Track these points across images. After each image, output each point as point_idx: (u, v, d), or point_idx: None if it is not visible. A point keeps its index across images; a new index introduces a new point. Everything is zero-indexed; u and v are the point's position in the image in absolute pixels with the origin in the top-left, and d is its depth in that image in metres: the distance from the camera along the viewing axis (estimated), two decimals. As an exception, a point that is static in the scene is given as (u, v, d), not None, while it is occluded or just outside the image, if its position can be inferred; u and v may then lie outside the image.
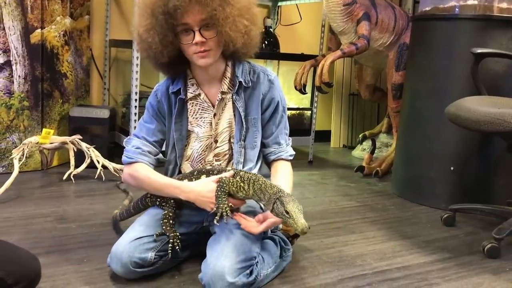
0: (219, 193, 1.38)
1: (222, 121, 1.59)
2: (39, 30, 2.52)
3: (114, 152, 2.92)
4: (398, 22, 3.01)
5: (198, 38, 1.41)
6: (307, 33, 3.76)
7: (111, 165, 2.49)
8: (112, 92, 3.19)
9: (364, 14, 2.85)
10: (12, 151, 2.27)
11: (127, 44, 2.77)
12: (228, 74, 1.56)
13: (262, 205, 1.43)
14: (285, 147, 1.63)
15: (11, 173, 2.20)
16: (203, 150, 1.60)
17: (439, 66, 2.41)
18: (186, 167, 1.63)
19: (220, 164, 1.60)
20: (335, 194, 2.59)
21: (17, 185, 2.29)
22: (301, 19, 3.65)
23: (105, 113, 2.78)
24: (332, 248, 1.83)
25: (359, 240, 1.94)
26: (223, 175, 1.43)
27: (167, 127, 1.61)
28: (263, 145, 1.62)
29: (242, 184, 1.41)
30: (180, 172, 1.64)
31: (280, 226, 1.64)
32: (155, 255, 1.46)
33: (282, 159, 1.61)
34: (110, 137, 2.85)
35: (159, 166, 1.62)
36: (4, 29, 2.40)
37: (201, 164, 1.62)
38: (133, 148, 1.55)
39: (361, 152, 3.59)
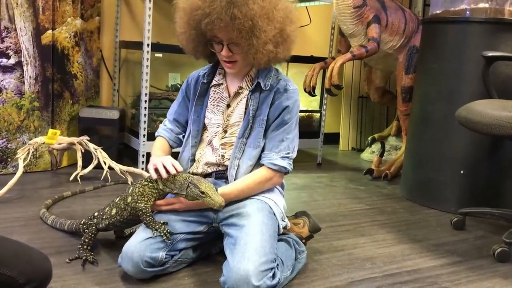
0: (147, 220, 1.47)
1: (235, 114, 1.62)
2: (50, 31, 2.53)
3: (123, 153, 2.94)
4: (408, 25, 3.00)
5: (225, 52, 1.51)
6: (316, 35, 3.75)
7: (117, 167, 2.49)
8: (121, 93, 3.21)
9: (374, 17, 2.84)
10: (17, 151, 2.28)
11: (137, 45, 2.78)
12: (252, 74, 1.61)
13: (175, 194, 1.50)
14: (274, 156, 1.56)
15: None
16: (212, 136, 1.65)
17: (450, 69, 2.40)
18: (207, 151, 1.65)
19: (226, 152, 1.62)
20: (344, 197, 2.58)
21: (27, 185, 2.30)
22: (310, 21, 3.65)
23: (114, 114, 2.79)
24: (341, 251, 1.82)
25: (369, 243, 1.93)
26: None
27: (189, 108, 1.69)
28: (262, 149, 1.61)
29: (150, 184, 1.50)
30: (193, 158, 1.68)
31: (289, 225, 1.64)
32: (166, 254, 1.46)
33: (264, 164, 1.57)
34: (119, 138, 2.86)
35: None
36: (15, 30, 2.42)
37: (210, 151, 1.64)
38: (161, 125, 1.77)
39: (370, 154, 3.58)
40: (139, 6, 3.09)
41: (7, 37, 2.40)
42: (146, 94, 2.67)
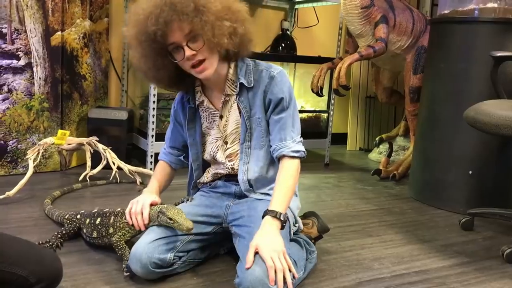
0: (120, 253, 1.54)
1: (230, 122, 1.60)
2: (59, 33, 2.56)
3: (131, 153, 2.95)
4: (416, 25, 2.99)
5: (188, 52, 1.41)
6: (324, 35, 3.75)
7: (126, 167, 2.51)
8: (130, 94, 3.22)
9: (382, 17, 2.84)
10: (27, 152, 2.30)
11: (145, 46, 2.79)
12: (231, 76, 1.55)
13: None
14: (289, 143, 1.52)
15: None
16: (214, 152, 1.63)
17: (458, 69, 2.39)
18: (212, 169, 1.69)
19: (234, 164, 1.61)
20: (351, 197, 2.58)
21: (37, 185, 2.32)
22: (318, 21, 3.65)
23: (123, 115, 2.80)
24: (349, 251, 1.82)
25: (377, 243, 1.93)
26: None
27: (184, 133, 1.68)
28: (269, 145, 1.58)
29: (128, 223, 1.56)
30: (202, 173, 1.72)
31: (302, 227, 1.64)
32: (174, 255, 1.47)
33: (285, 155, 1.52)
34: (128, 138, 2.88)
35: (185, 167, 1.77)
36: (25, 31, 2.44)
37: (217, 165, 1.65)
38: (162, 148, 1.80)
39: (377, 155, 3.57)
40: (147, 7, 3.11)
41: (17, 38, 2.42)
42: (154, 95, 2.68)
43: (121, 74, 3.17)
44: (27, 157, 2.27)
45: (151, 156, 2.74)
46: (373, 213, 2.33)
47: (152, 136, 2.72)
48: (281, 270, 1.30)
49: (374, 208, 2.42)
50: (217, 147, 1.63)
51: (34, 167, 2.24)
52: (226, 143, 1.62)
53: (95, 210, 1.72)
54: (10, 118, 2.46)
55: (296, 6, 3.60)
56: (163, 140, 2.76)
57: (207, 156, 1.66)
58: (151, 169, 2.68)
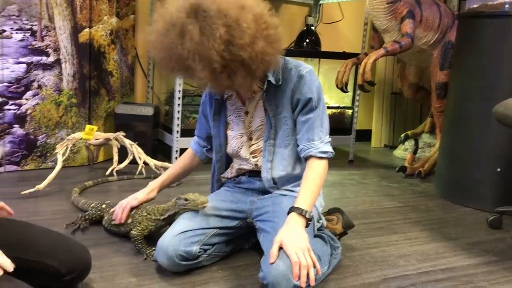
0: (138, 247, 1.62)
1: (256, 119, 1.60)
2: (87, 30, 2.60)
3: (157, 149, 2.99)
4: (443, 20, 2.95)
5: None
6: (349, 31, 3.73)
7: (152, 162, 2.54)
8: (155, 90, 3.26)
9: (408, 12, 2.80)
10: (56, 146, 2.35)
11: (171, 43, 2.82)
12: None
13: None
14: (317, 143, 1.52)
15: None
16: (239, 147, 1.64)
17: (487, 64, 2.35)
18: (236, 164, 1.70)
19: (258, 160, 1.61)
20: (376, 194, 2.56)
21: (65, 179, 2.37)
22: (343, 17, 3.63)
23: (149, 111, 2.84)
24: (374, 248, 1.81)
25: (402, 240, 1.92)
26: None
27: (210, 125, 1.69)
28: (297, 143, 1.57)
29: (149, 216, 1.64)
30: (226, 168, 1.73)
31: (325, 224, 1.64)
32: (199, 248, 1.49)
33: (312, 156, 1.52)
34: (153, 134, 2.92)
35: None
36: (54, 28, 2.49)
37: (241, 161, 1.65)
38: (195, 137, 1.81)
39: (403, 152, 3.53)
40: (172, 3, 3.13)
41: (47, 35, 2.47)
42: (179, 91, 2.71)
43: (146, 71, 3.21)
44: (56, 151, 2.32)
45: (176, 151, 2.77)
46: (398, 210, 2.31)
47: (177, 131, 2.75)
48: (306, 267, 1.30)
49: (399, 205, 2.40)
50: (241, 143, 1.63)
51: (62, 161, 2.29)
52: (250, 139, 1.62)
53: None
54: (40, 113, 2.52)
55: (321, 2, 3.58)
56: (188, 136, 2.83)
57: (229, 150, 1.66)
58: (176, 164, 2.71)
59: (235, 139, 1.64)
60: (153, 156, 2.66)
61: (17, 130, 2.46)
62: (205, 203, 1.54)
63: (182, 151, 2.79)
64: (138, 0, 3.09)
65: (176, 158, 2.76)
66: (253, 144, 1.62)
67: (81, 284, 1.37)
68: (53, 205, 2.05)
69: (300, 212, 1.42)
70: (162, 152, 3.01)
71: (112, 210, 1.78)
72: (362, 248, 1.80)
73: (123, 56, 2.93)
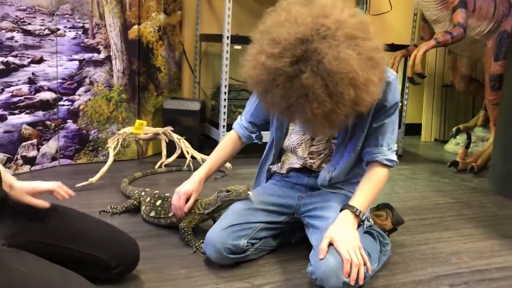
0: (187, 238, 1.64)
1: None
2: (136, 26, 2.66)
3: (204, 143, 3.02)
4: (498, 9, 2.82)
5: None
6: (397, 22, 3.63)
7: (199, 156, 2.57)
8: (202, 85, 3.30)
9: (461, 1, 2.70)
10: (108, 141, 2.42)
11: (217, 38, 2.84)
12: None
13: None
14: (385, 150, 1.49)
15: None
16: (298, 144, 1.60)
17: (547, 54, 2.23)
18: (289, 157, 1.65)
19: (314, 162, 1.58)
20: (427, 190, 2.49)
21: (115, 173, 2.43)
22: (391, 8, 3.54)
23: (196, 106, 2.88)
24: (425, 245, 1.76)
25: (454, 237, 1.86)
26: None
27: (271, 114, 1.63)
28: (362, 145, 1.53)
29: (192, 210, 1.66)
30: (278, 159, 1.69)
31: (371, 221, 1.61)
32: (247, 242, 1.50)
33: (377, 161, 1.49)
34: (200, 128, 2.95)
35: (254, 143, 1.78)
36: (105, 26, 2.56)
37: (295, 158, 1.62)
38: (238, 118, 1.76)
39: (454, 146, 3.41)
40: (219, -1, 3.16)
41: (98, 33, 2.55)
42: (225, 86, 2.72)
43: (193, 66, 3.25)
44: (107, 146, 2.39)
45: (223, 145, 2.78)
46: (450, 206, 2.23)
47: (224, 126, 2.77)
48: (357, 265, 1.28)
49: (451, 201, 2.32)
50: (301, 140, 1.59)
51: (113, 155, 2.36)
52: (313, 139, 1.58)
53: (156, 192, 1.86)
54: (92, 109, 2.60)
55: (368, -7, 3.50)
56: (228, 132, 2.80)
57: (286, 143, 1.62)
58: (222, 158, 2.73)
59: (296, 134, 1.60)
60: (200, 150, 2.69)
61: (70, 125, 2.55)
62: (247, 191, 1.56)
63: (229, 145, 2.82)
64: (185, -4, 3.13)
65: (223, 152, 2.78)
66: (313, 145, 1.58)
67: (131, 276, 1.41)
68: (105, 198, 2.11)
69: (354, 211, 1.40)
70: (209, 146, 3.03)
71: (149, 199, 1.83)
72: (412, 245, 1.76)
73: (171, 52, 2.98)
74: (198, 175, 1.68)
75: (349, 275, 1.27)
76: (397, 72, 2.88)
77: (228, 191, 1.59)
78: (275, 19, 1.27)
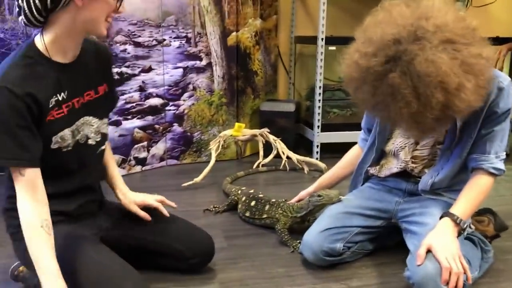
0: (285, 239, 1.72)
1: None
2: (234, 33, 2.79)
3: (299, 143, 3.09)
4: None
5: None
6: (503, 13, 3.42)
7: (294, 157, 2.65)
8: (296, 87, 3.36)
9: None
10: (210, 143, 2.58)
11: (311, 40, 2.89)
12: None
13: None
14: (492, 157, 1.43)
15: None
16: (401, 147, 1.59)
17: None
18: (391, 159, 1.64)
19: (416, 167, 1.57)
20: (536, 192, 2.34)
21: (217, 172, 2.57)
22: (495, -2, 3.34)
23: (291, 107, 2.95)
24: (533, 252, 1.68)
25: None
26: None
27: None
28: (469, 151, 1.48)
29: (285, 213, 1.76)
30: (377, 162, 1.68)
31: (473, 227, 1.57)
32: (343, 246, 1.54)
33: (482, 169, 1.44)
34: (295, 129, 3.02)
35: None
36: (206, 34, 2.72)
37: (396, 162, 1.61)
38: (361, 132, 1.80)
39: None
40: (314, 0, 3.19)
41: (199, 41, 2.71)
42: (320, 87, 2.77)
43: (288, 68, 3.32)
44: (210, 147, 2.55)
45: (317, 146, 2.84)
46: None
47: (318, 127, 2.82)
48: (457, 274, 1.27)
49: None
50: (405, 144, 1.58)
51: (215, 156, 2.51)
52: (417, 143, 1.56)
53: (251, 191, 1.97)
54: (195, 113, 2.77)
55: (470, -16, 3.34)
56: (329, 131, 2.86)
57: (390, 146, 1.62)
58: (317, 158, 2.79)
59: (400, 137, 1.59)
60: (295, 151, 2.76)
61: (176, 128, 2.75)
62: (338, 196, 1.63)
63: (323, 145, 2.87)
64: (280, 0, 3.20)
65: (317, 152, 2.83)
66: (417, 149, 1.56)
67: (234, 273, 1.52)
68: (208, 197, 2.26)
69: (455, 219, 1.38)
70: (304, 146, 3.10)
71: (244, 198, 1.93)
72: (517, 252, 1.68)
73: (267, 56, 3.08)
74: (320, 182, 1.84)
75: (447, 283, 1.26)
76: (502, 67, 2.73)
77: (319, 195, 1.65)
78: (374, 19, 1.31)
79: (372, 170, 1.70)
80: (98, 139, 1.36)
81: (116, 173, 1.49)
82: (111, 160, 1.49)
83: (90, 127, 1.32)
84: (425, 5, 1.27)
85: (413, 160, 1.57)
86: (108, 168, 1.48)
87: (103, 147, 1.40)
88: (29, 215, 1.14)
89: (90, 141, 1.33)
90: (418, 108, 1.22)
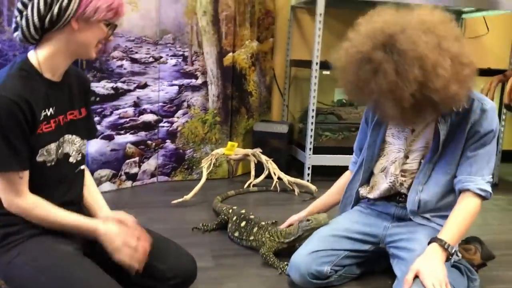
0: (270, 261, 1.71)
1: (420, 139, 1.56)
2: (231, 54, 2.82)
3: (291, 164, 3.10)
4: None
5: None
6: (495, 45, 3.48)
7: (286, 178, 2.66)
8: (290, 109, 3.39)
9: None
10: (202, 161, 2.59)
11: (306, 63, 2.93)
12: None
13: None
14: (478, 179, 1.46)
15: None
16: (391, 161, 1.61)
17: None
18: (380, 178, 1.65)
19: (405, 181, 1.58)
20: (524, 223, 2.36)
21: (208, 191, 2.56)
22: (488, 30, 3.41)
23: (284, 128, 2.97)
24: (518, 283, 1.69)
25: (553, 277, 1.75)
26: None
27: (367, 133, 1.68)
28: (455, 174, 1.51)
29: (272, 238, 1.76)
30: (367, 181, 1.70)
31: (459, 255, 1.58)
32: (330, 269, 1.54)
33: (469, 190, 1.46)
34: (287, 150, 3.04)
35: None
36: (203, 54, 2.75)
37: (384, 178, 1.62)
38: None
39: (557, 176, 3.19)
40: (309, 26, 3.24)
41: (196, 60, 2.74)
42: (313, 110, 2.79)
43: (282, 90, 3.35)
44: (201, 165, 2.55)
45: (308, 168, 2.85)
46: (549, 243, 2.11)
47: (310, 149, 2.84)
48: None
49: (551, 237, 2.18)
50: (395, 158, 1.60)
51: (207, 174, 2.51)
52: (406, 157, 1.59)
53: (243, 211, 1.96)
54: (188, 130, 2.79)
55: (463, 16, 3.41)
56: (320, 153, 2.87)
57: (382, 162, 1.63)
58: (308, 180, 2.80)
59: (393, 153, 1.61)
60: (287, 172, 2.77)
61: (169, 144, 2.76)
62: (326, 219, 1.66)
63: (314, 168, 2.88)
64: (277, 24, 3.25)
65: (309, 174, 2.84)
66: (407, 163, 1.58)
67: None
68: (197, 215, 2.25)
69: (443, 244, 1.39)
70: (295, 168, 3.11)
71: (235, 218, 1.93)
72: (504, 282, 1.69)
73: (262, 77, 3.11)
74: (312, 207, 1.86)
75: None
76: (493, 98, 2.77)
77: (308, 220, 1.67)
78: (366, 19, 1.43)
79: (362, 191, 1.70)
80: (79, 159, 1.38)
81: (100, 197, 1.48)
82: (93, 186, 1.48)
83: (73, 145, 1.35)
84: (414, 11, 1.39)
85: (402, 173, 1.59)
86: (91, 192, 1.46)
87: (82, 167, 1.41)
88: (34, 199, 1.23)
89: (71, 159, 1.35)
90: (396, 80, 1.29)
